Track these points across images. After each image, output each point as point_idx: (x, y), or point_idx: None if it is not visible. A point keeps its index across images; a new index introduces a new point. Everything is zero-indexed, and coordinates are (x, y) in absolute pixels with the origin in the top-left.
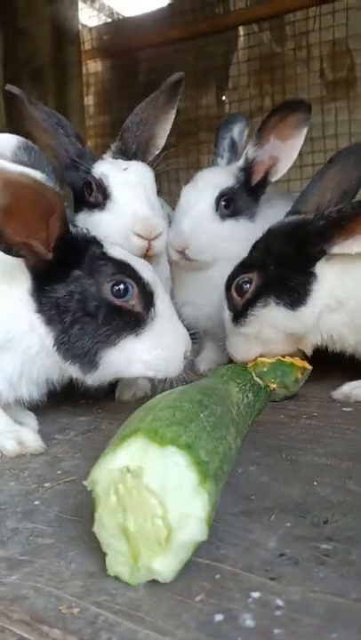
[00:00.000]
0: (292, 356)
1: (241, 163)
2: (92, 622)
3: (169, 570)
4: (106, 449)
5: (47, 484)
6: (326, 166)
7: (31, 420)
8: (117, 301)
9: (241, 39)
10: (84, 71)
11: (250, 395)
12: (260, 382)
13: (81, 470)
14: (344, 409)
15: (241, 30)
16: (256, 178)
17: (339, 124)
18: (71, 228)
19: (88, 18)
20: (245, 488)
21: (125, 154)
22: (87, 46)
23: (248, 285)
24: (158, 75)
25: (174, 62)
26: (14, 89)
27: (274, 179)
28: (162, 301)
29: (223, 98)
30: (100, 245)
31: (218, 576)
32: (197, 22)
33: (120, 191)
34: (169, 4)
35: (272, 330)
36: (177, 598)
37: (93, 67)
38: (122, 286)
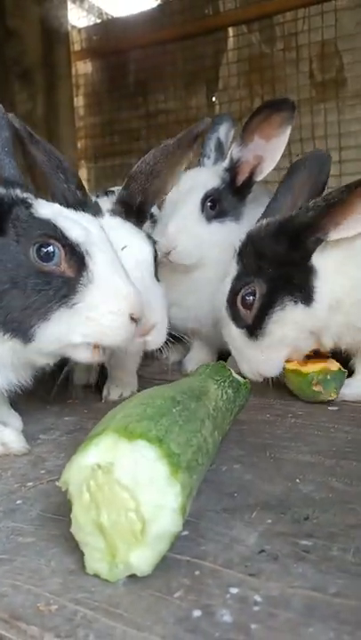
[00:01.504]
0: (323, 355)
1: (226, 163)
2: (69, 619)
3: (146, 563)
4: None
5: (30, 484)
6: (293, 173)
7: (15, 420)
8: (45, 267)
9: (230, 40)
10: (73, 72)
11: (229, 391)
12: (240, 379)
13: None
14: (330, 408)
15: (230, 31)
16: (241, 178)
17: (328, 125)
18: None
19: (77, 18)
20: (228, 486)
21: (129, 204)
22: (77, 47)
23: (252, 297)
24: (148, 75)
25: (164, 63)
26: (16, 122)
27: (259, 178)
28: (97, 262)
29: (213, 99)
30: (28, 205)
31: (197, 572)
32: (187, 23)
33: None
34: (158, 5)
35: (295, 330)
36: (156, 595)
37: (83, 67)
38: (49, 249)
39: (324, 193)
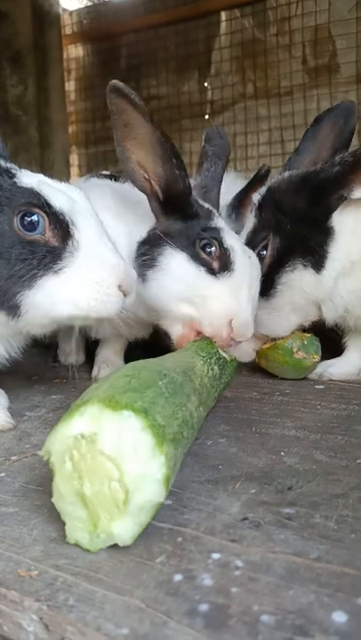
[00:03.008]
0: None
1: None
2: (50, 584)
3: (128, 533)
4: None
5: (14, 457)
6: (316, 125)
7: (1, 397)
8: (28, 236)
9: (223, 24)
10: (64, 56)
11: (215, 367)
12: (227, 356)
13: None
14: (316, 386)
15: (223, 15)
16: None
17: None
18: None
19: (69, 1)
20: (213, 458)
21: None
22: (68, 31)
23: (265, 251)
24: (140, 60)
25: (156, 47)
26: (136, 99)
27: None
28: (83, 232)
29: (205, 84)
30: (12, 175)
31: (180, 539)
32: (179, 7)
33: (243, 279)
34: None
35: (303, 298)
36: (137, 560)
37: (74, 51)
38: (33, 217)
39: (350, 149)
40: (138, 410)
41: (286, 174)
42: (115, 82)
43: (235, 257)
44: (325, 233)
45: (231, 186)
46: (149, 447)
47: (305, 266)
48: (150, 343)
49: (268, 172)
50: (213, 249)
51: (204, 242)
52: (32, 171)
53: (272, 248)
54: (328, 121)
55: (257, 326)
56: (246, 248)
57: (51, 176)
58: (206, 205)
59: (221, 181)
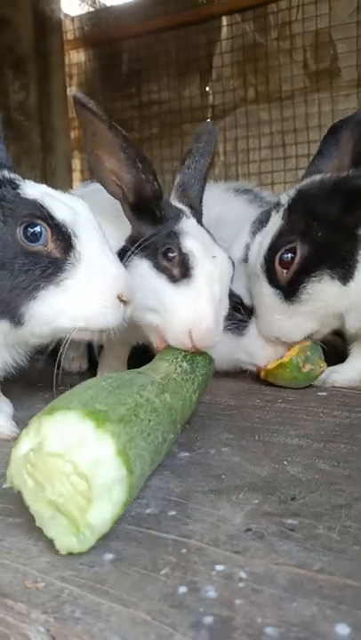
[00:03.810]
0: None
1: None
2: (56, 596)
3: (104, 518)
4: None
5: None
6: (335, 132)
7: (5, 405)
8: (31, 247)
9: (224, 29)
10: (66, 61)
11: (184, 364)
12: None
13: None
14: (319, 393)
15: (224, 20)
16: None
17: (322, 115)
18: None
19: (70, 7)
20: (217, 468)
21: (194, 209)
22: (70, 36)
23: (292, 255)
24: (141, 64)
25: (157, 52)
26: (94, 107)
27: None
28: (84, 243)
29: (207, 89)
30: (15, 186)
31: (184, 550)
32: (180, 12)
33: (204, 284)
34: None
35: (324, 308)
36: (142, 572)
37: (76, 57)
38: (36, 229)
39: None
40: (74, 407)
41: (317, 178)
42: (75, 93)
43: (194, 262)
44: (356, 241)
45: (222, 198)
46: (92, 431)
47: (332, 277)
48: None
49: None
50: (174, 255)
51: (165, 248)
52: (36, 181)
53: (300, 255)
54: (346, 129)
55: (272, 329)
56: (213, 247)
57: (53, 182)
58: (179, 206)
59: (204, 178)
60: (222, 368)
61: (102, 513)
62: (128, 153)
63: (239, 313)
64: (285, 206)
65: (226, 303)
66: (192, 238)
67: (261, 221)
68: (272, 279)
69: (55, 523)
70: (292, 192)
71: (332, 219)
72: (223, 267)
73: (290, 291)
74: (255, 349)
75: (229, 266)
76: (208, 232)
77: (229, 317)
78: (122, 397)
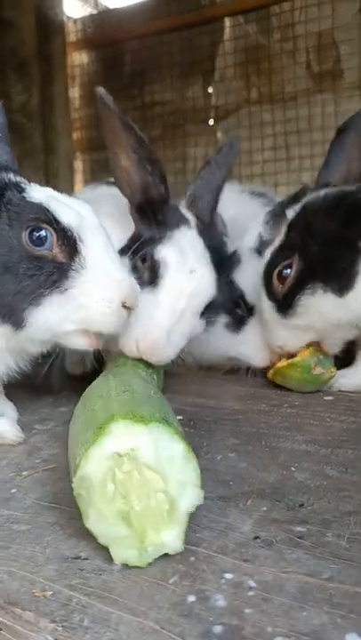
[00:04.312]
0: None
1: None
2: (64, 604)
3: (178, 540)
4: (75, 445)
5: (25, 473)
6: (340, 136)
7: (10, 410)
8: (36, 251)
9: (227, 30)
10: (69, 63)
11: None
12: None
13: (60, 459)
14: (325, 398)
15: (227, 22)
16: None
17: (325, 117)
18: None
19: (73, 9)
20: (224, 474)
21: (202, 220)
22: (72, 38)
23: (289, 270)
24: (144, 66)
25: (160, 53)
26: (107, 100)
27: None
28: (89, 248)
29: (209, 90)
30: (21, 189)
31: (192, 559)
32: (183, 13)
33: (167, 295)
34: None
35: (323, 321)
36: (151, 581)
37: (78, 58)
38: (41, 233)
39: None
40: (161, 420)
41: (322, 193)
42: (98, 89)
43: (164, 271)
44: (357, 253)
45: (237, 200)
46: (182, 454)
47: (325, 290)
48: None
49: (306, 193)
50: (147, 261)
51: (143, 252)
52: (39, 183)
53: (296, 270)
54: (352, 131)
55: (273, 340)
56: (198, 262)
57: (55, 184)
58: (185, 215)
59: (219, 190)
60: (220, 364)
61: (176, 535)
62: (139, 153)
63: (240, 309)
64: (288, 221)
65: (193, 321)
66: (173, 248)
67: (276, 214)
68: (270, 293)
69: (118, 532)
70: (298, 207)
71: (331, 233)
72: (199, 284)
73: (285, 304)
74: (252, 348)
75: (208, 285)
76: (215, 248)
77: (229, 313)
78: (169, 412)
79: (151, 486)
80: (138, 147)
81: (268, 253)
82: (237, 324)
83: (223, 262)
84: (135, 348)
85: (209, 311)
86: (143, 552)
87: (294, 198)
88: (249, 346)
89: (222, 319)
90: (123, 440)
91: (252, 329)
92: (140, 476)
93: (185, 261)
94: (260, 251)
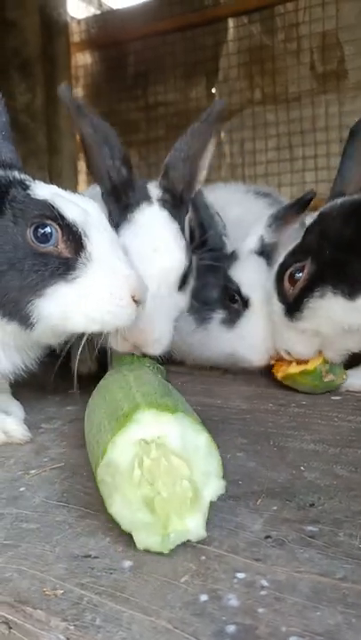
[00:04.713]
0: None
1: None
2: (76, 603)
3: (200, 527)
4: (97, 433)
5: (33, 471)
6: (352, 140)
7: (17, 409)
8: (41, 248)
9: (231, 31)
10: (72, 63)
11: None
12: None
13: (67, 458)
14: (333, 397)
15: (230, 22)
16: None
17: (329, 117)
18: None
19: (77, 9)
20: (233, 473)
21: (173, 194)
22: (76, 38)
23: (300, 274)
24: (147, 67)
25: (164, 54)
26: (64, 91)
27: None
28: (95, 243)
29: (213, 90)
30: (26, 186)
31: (203, 557)
32: (186, 14)
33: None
34: None
35: (331, 325)
36: (162, 579)
37: (82, 59)
38: (46, 230)
39: None
40: (184, 411)
41: (339, 201)
42: (60, 86)
43: (129, 257)
44: None
45: (242, 200)
46: (206, 444)
47: (335, 294)
48: None
49: (312, 198)
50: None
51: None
52: (45, 182)
53: (307, 272)
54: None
55: (280, 343)
56: (154, 240)
57: (59, 184)
58: (150, 191)
59: (195, 159)
60: (217, 363)
61: (199, 523)
62: (96, 139)
63: (236, 304)
64: (305, 227)
65: (173, 298)
66: (129, 232)
67: (277, 217)
68: (280, 294)
69: (142, 518)
70: (315, 215)
71: (345, 238)
72: (165, 259)
73: (294, 307)
74: (248, 346)
75: (176, 257)
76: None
77: (225, 308)
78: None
79: (177, 473)
80: (94, 132)
81: (282, 256)
82: (234, 318)
83: (204, 225)
84: (127, 344)
85: (187, 281)
86: (166, 538)
87: (298, 202)
88: (245, 343)
89: (218, 315)
90: (150, 427)
91: (248, 323)
92: (167, 462)
93: (144, 242)
94: (261, 252)
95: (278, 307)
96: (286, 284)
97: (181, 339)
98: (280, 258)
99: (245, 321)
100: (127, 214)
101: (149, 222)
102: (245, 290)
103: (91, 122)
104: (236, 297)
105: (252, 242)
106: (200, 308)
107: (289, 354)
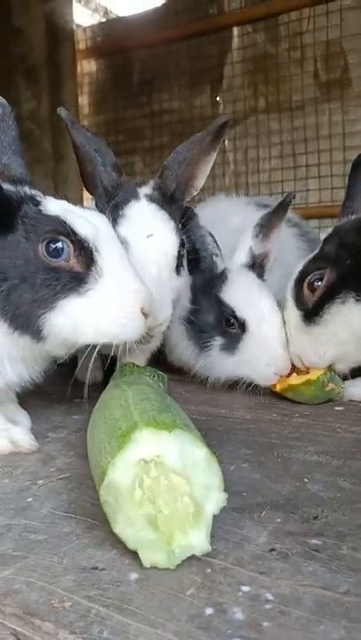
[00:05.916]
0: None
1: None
2: (83, 616)
3: (204, 541)
4: (98, 454)
5: (40, 482)
6: (358, 169)
7: (24, 418)
8: (53, 262)
9: (235, 39)
10: (78, 71)
11: (155, 378)
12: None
13: (74, 468)
14: (336, 408)
15: (235, 31)
16: None
17: (333, 125)
18: (6, 187)
19: (83, 17)
20: (237, 485)
21: (164, 191)
22: (81, 46)
23: (320, 282)
24: (152, 74)
25: (168, 62)
26: (62, 112)
27: None
28: (106, 258)
29: (217, 98)
30: (37, 202)
31: (208, 570)
32: (191, 22)
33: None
34: (163, 4)
35: (349, 332)
36: (168, 592)
37: (88, 66)
38: (58, 245)
39: None
40: (182, 427)
41: (353, 217)
42: (60, 109)
43: (127, 248)
44: None
45: (243, 211)
46: (205, 458)
47: (357, 300)
48: None
49: (291, 200)
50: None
51: None
52: (49, 190)
53: (328, 279)
54: None
55: (295, 349)
56: (147, 227)
57: (64, 190)
58: (137, 190)
59: (191, 163)
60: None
61: (202, 537)
62: (88, 148)
63: (232, 327)
64: (324, 238)
65: (173, 279)
66: (124, 224)
67: (263, 225)
68: (299, 301)
69: (146, 536)
70: (331, 229)
71: None
72: (160, 242)
73: (314, 312)
74: (253, 370)
75: (169, 239)
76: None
77: (222, 334)
78: (184, 414)
79: (177, 490)
80: (86, 142)
81: (300, 264)
82: (233, 344)
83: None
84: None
85: (180, 259)
86: (171, 554)
87: (280, 206)
88: (249, 366)
89: (217, 342)
90: (148, 447)
91: (249, 347)
92: (166, 480)
93: (139, 230)
94: (252, 265)
95: (295, 313)
96: (306, 290)
97: (186, 362)
98: (298, 266)
99: (246, 345)
100: (118, 212)
101: (138, 213)
102: (240, 313)
103: (84, 134)
104: (233, 321)
105: (241, 255)
106: (198, 335)
107: (301, 362)
